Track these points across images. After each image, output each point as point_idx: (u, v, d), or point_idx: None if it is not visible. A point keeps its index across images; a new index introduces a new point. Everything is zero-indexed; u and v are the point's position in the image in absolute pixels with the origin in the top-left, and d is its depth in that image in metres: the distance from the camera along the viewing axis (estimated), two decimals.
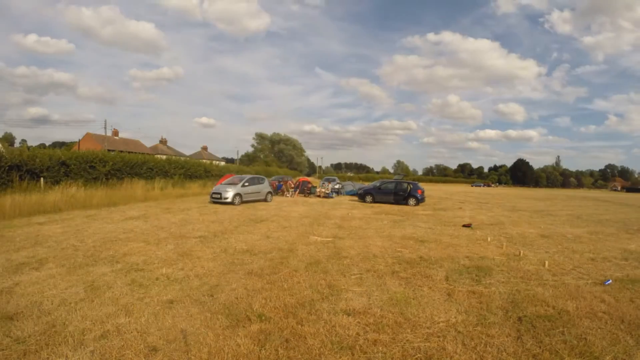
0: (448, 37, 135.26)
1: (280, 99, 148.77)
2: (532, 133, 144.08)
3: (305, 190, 22.19)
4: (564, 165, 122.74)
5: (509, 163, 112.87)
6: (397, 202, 17.83)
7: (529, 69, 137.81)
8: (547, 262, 5.90)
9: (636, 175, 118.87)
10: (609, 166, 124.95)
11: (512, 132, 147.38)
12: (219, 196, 15.12)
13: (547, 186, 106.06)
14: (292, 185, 23.55)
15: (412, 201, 17.52)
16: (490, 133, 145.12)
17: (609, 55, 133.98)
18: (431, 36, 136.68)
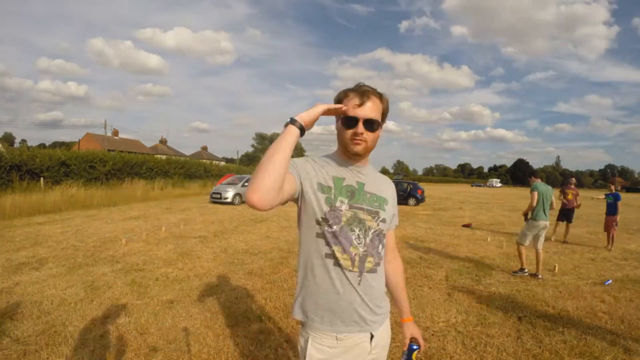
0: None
1: (264, 107, 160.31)
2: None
3: None
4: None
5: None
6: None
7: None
8: (557, 266, 5.88)
9: (636, 175, 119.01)
10: (609, 166, 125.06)
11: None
12: (219, 196, 15.13)
13: None
14: None
15: (412, 201, 17.52)
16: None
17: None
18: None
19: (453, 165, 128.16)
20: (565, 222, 8.67)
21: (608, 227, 7.86)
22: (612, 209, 7.89)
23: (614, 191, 8.22)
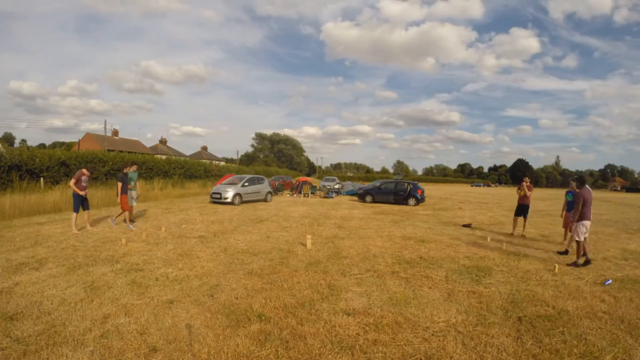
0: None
1: (248, 118, 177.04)
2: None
3: (303, 191, 22.14)
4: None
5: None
6: (397, 202, 17.83)
7: None
8: (557, 266, 5.89)
9: (636, 175, 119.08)
10: (609, 166, 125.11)
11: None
12: (219, 196, 15.12)
13: (547, 186, 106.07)
14: (295, 185, 23.62)
15: (412, 201, 17.52)
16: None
17: None
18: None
19: (453, 165, 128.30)
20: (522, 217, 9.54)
21: (566, 223, 8.20)
22: (571, 207, 8.08)
23: (575, 190, 8.33)
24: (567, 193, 8.51)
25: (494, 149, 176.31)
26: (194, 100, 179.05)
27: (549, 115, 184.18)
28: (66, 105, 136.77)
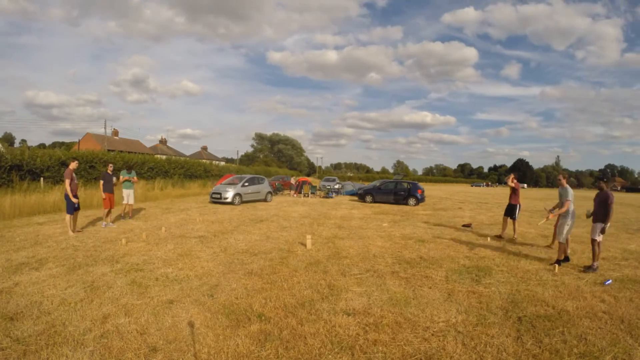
0: None
1: (239, 122, 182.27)
2: None
3: (303, 191, 22.13)
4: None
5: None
6: (397, 202, 17.83)
7: None
8: (557, 267, 5.88)
9: (636, 175, 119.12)
10: (609, 166, 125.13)
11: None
12: (219, 196, 15.12)
13: (547, 186, 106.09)
14: (294, 185, 23.63)
15: (412, 201, 17.53)
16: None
17: None
18: None
19: (453, 165, 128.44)
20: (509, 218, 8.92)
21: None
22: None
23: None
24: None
25: (479, 149, 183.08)
26: (188, 107, 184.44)
27: (517, 118, 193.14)
28: (77, 113, 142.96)
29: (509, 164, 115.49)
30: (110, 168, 9.53)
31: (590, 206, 6.47)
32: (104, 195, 9.01)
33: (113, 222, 9.24)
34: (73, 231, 7.77)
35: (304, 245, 7.00)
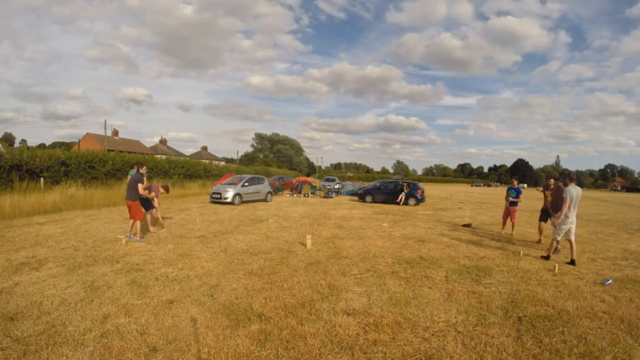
0: None
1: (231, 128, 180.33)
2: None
3: (303, 191, 22.12)
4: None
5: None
6: (392, 202, 17.83)
7: None
8: (557, 266, 5.88)
9: (636, 175, 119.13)
10: (609, 166, 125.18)
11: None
12: (219, 196, 15.12)
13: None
14: (294, 185, 23.65)
15: (412, 201, 17.53)
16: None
17: None
18: None
19: (452, 165, 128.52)
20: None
21: (507, 214, 9.58)
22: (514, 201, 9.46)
23: (516, 186, 9.73)
24: (510, 189, 9.66)
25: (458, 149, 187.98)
26: (181, 115, 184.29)
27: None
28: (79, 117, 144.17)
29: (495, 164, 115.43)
30: (144, 169, 7.91)
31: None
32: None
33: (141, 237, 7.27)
34: (153, 226, 8.46)
35: (304, 245, 7.00)
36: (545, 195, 8.50)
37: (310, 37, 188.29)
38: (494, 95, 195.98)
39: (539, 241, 8.35)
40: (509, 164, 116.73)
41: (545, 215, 8.37)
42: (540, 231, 8.54)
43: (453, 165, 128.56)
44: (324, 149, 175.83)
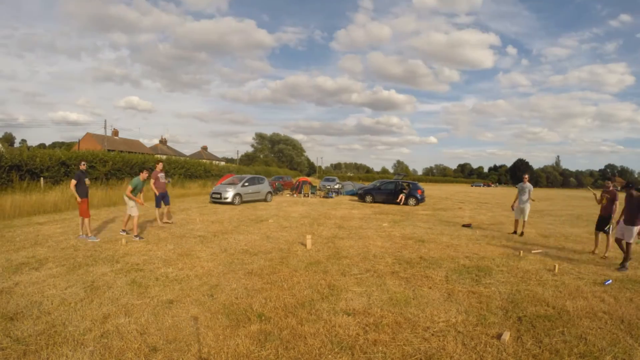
0: None
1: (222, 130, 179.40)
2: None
3: (303, 191, 22.11)
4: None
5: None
6: (392, 202, 17.83)
7: None
8: (557, 266, 5.87)
9: (636, 175, 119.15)
10: (609, 166, 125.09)
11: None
12: (219, 196, 15.12)
13: (547, 186, 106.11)
14: (295, 185, 23.64)
15: (412, 201, 17.53)
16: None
17: None
18: None
19: (452, 165, 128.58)
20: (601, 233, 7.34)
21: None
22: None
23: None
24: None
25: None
26: (177, 120, 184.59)
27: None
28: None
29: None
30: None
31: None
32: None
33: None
34: (161, 221, 9.26)
35: (304, 245, 7.00)
36: (603, 201, 7.35)
37: (279, 59, 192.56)
38: (457, 102, 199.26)
39: (593, 252, 7.32)
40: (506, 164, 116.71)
41: (603, 223, 7.26)
42: (597, 242, 7.42)
43: (453, 165, 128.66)
44: (315, 149, 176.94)
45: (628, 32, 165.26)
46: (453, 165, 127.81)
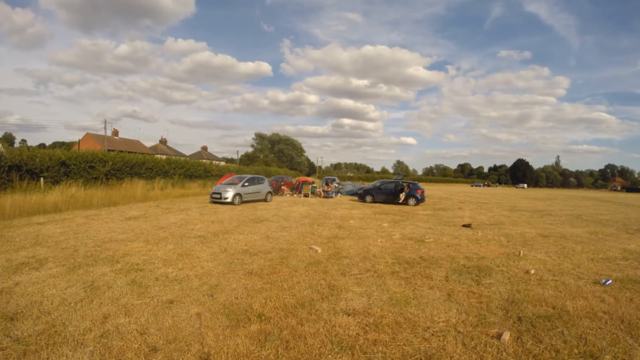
0: None
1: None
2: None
3: (303, 191, 22.08)
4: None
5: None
6: (392, 202, 17.83)
7: None
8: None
9: (636, 175, 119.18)
10: (609, 166, 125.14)
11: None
12: (219, 196, 15.12)
13: (547, 186, 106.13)
14: (295, 185, 23.63)
15: (412, 201, 17.52)
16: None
17: None
18: None
19: (453, 165, 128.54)
20: None
21: None
22: None
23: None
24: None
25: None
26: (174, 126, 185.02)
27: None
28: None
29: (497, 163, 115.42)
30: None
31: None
32: None
33: None
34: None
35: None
36: None
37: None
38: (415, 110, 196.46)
39: None
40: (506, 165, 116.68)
41: None
42: None
43: (453, 165, 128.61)
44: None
45: None
46: (453, 165, 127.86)
